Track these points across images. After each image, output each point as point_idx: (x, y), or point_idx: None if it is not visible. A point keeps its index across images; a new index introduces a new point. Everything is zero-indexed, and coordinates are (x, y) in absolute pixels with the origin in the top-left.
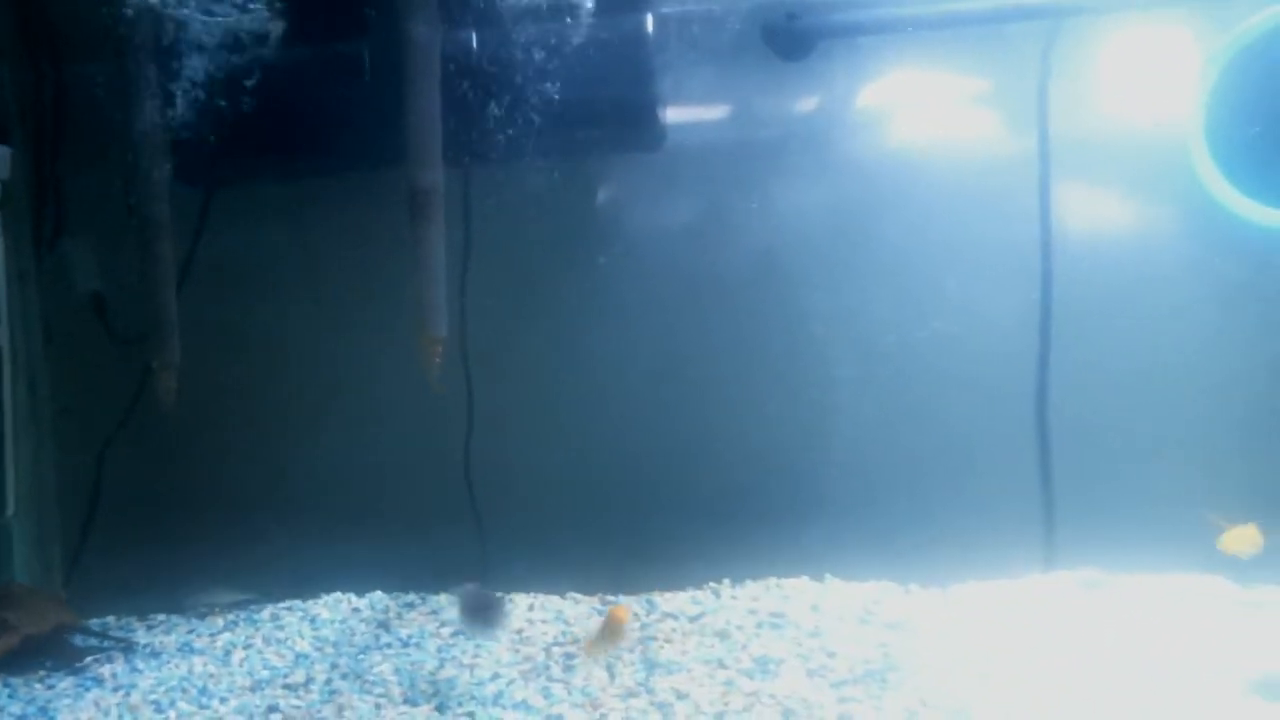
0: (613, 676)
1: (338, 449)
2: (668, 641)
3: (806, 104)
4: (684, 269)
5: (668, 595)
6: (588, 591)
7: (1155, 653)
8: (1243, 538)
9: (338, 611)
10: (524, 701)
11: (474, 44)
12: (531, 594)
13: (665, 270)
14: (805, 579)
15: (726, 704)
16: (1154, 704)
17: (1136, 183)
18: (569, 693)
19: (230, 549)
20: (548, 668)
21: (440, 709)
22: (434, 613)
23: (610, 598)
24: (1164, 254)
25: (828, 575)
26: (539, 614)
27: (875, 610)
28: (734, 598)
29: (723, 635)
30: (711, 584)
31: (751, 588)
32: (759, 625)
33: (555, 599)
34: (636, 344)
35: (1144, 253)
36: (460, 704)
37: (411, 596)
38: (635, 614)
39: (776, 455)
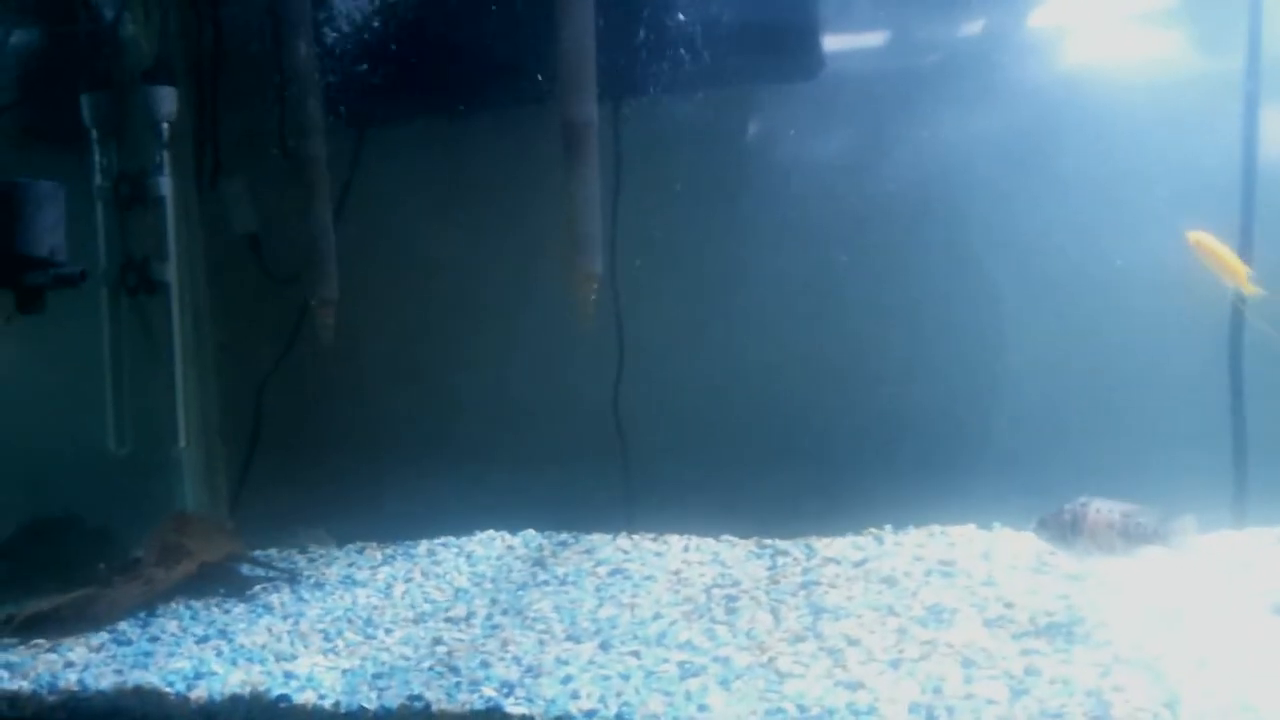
0: (778, 620)
1: (490, 386)
2: (833, 587)
3: (974, 24)
4: (843, 202)
5: (826, 540)
6: (742, 534)
7: None
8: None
9: (492, 549)
10: (689, 642)
11: None
12: (685, 536)
13: (823, 204)
14: (972, 527)
15: (901, 652)
16: None
17: None
18: (734, 635)
19: (384, 483)
20: (710, 609)
21: (604, 647)
22: (588, 552)
23: (767, 541)
24: None
25: (996, 524)
26: (695, 555)
27: (1051, 561)
28: (898, 544)
29: (890, 582)
30: (872, 530)
31: (915, 534)
32: (928, 573)
33: (710, 541)
34: (793, 280)
35: None
36: (624, 643)
37: (565, 535)
38: (795, 558)
39: (942, 396)
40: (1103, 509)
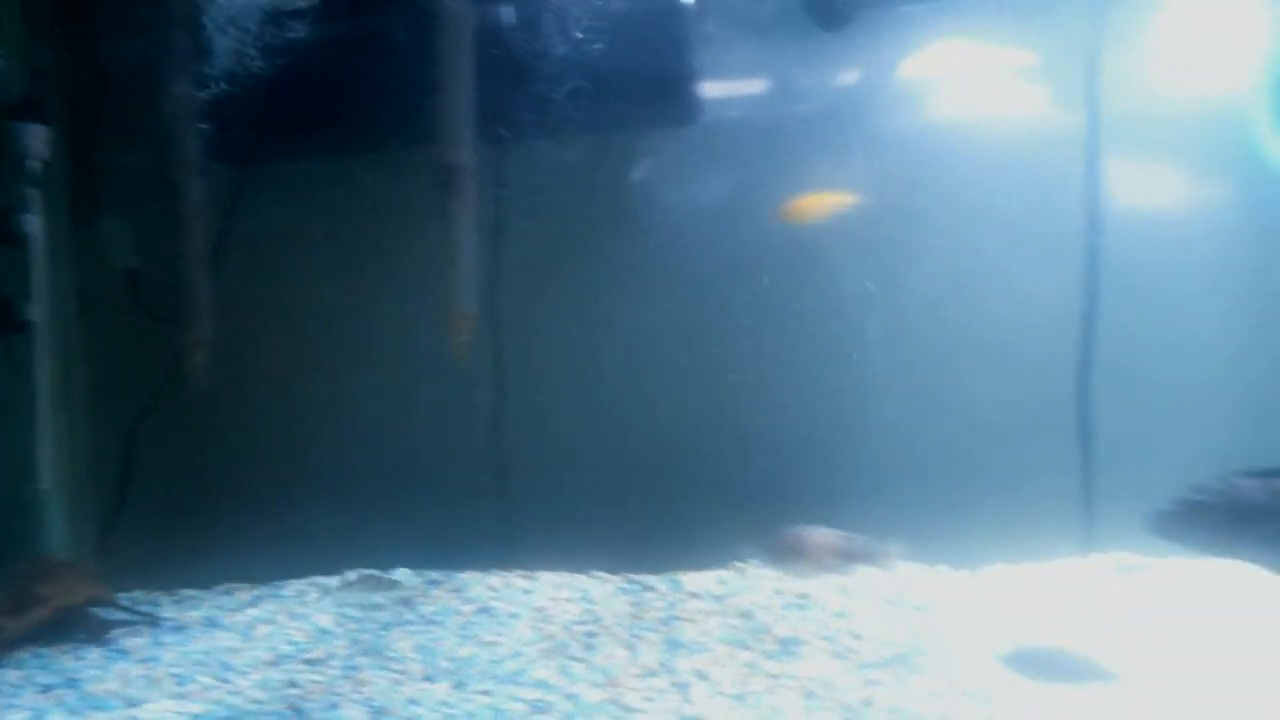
0: (634, 655)
1: (370, 425)
2: (691, 621)
3: (846, 77)
4: (718, 246)
5: (694, 575)
6: (613, 570)
7: (1190, 639)
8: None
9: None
10: (543, 680)
11: (505, 18)
12: (558, 573)
13: (698, 247)
14: None
15: (748, 685)
16: (1189, 691)
17: (1190, 157)
18: (589, 671)
19: (260, 525)
20: (568, 646)
21: (458, 686)
22: (458, 590)
23: (636, 576)
24: (1217, 230)
25: None
26: (563, 592)
27: (903, 592)
28: (760, 578)
29: (747, 615)
30: (738, 564)
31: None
32: (785, 606)
33: (581, 577)
34: (667, 322)
35: (1196, 229)
36: (478, 682)
37: (436, 574)
38: (660, 593)
39: (807, 434)
40: (820, 534)
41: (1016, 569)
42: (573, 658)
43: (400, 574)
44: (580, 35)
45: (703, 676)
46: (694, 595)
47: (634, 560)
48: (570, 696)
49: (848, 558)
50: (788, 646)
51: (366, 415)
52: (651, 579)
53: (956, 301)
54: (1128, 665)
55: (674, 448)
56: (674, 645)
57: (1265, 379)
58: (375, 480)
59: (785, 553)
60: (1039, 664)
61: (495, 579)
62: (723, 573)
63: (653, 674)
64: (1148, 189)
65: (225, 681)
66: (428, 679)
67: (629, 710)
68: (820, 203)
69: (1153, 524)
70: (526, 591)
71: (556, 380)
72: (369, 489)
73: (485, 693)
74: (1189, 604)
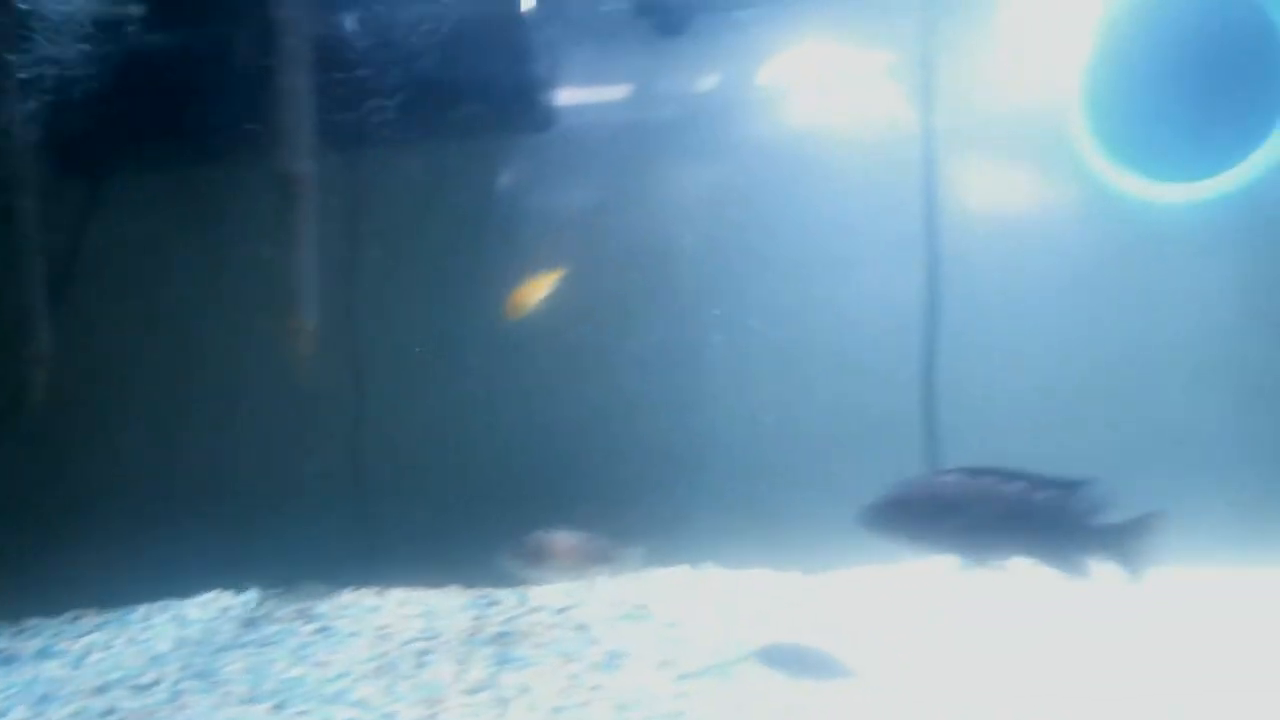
0: (463, 672)
1: (224, 443)
2: (527, 635)
3: (687, 83)
4: (571, 253)
5: (544, 589)
6: (469, 584)
7: (1025, 638)
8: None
9: (209, 610)
10: (363, 700)
11: (347, 25)
12: (411, 588)
13: (553, 256)
14: (685, 568)
15: (567, 699)
16: (1016, 692)
17: (1026, 156)
18: (413, 690)
19: (113, 548)
20: (398, 665)
21: (279, 708)
22: (303, 610)
23: (486, 590)
24: (1054, 227)
25: (708, 563)
26: (409, 609)
27: (744, 598)
28: (606, 589)
29: (583, 628)
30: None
31: (627, 578)
32: (622, 617)
33: (433, 593)
34: (525, 334)
35: (1033, 226)
36: (301, 703)
37: (286, 593)
38: (505, 607)
39: (662, 443)
40: (564, 538)
41: (861, 572)
42: (401, 676)
43: (250, 595)
44: (423, 42)
45: (525, 690)
46: (536, 609)
47: (491, 575)
48: (387, 715)
49: (589, 560)
50: (614, 658)
51: (223, 432)
52: (502, 592)
53: (800, 305)
54: (931, 666)
55: (532, 460)
56: (505, 660)
57: (1103, 379)
58: (233, 499)
59: (532, 557)
60: (846, 669)
61: (347, 596)
62: (573, 585)
63: (478, 690)
64: (986, 192)
65: (41, 713)
66: (252, 701)
67: None
68: (534, 289)
69: (860, 517)
70: (373, 609)
71: (413, 395)
72: (227, 508)
73: (303, 714)
74: (1014, 602)
